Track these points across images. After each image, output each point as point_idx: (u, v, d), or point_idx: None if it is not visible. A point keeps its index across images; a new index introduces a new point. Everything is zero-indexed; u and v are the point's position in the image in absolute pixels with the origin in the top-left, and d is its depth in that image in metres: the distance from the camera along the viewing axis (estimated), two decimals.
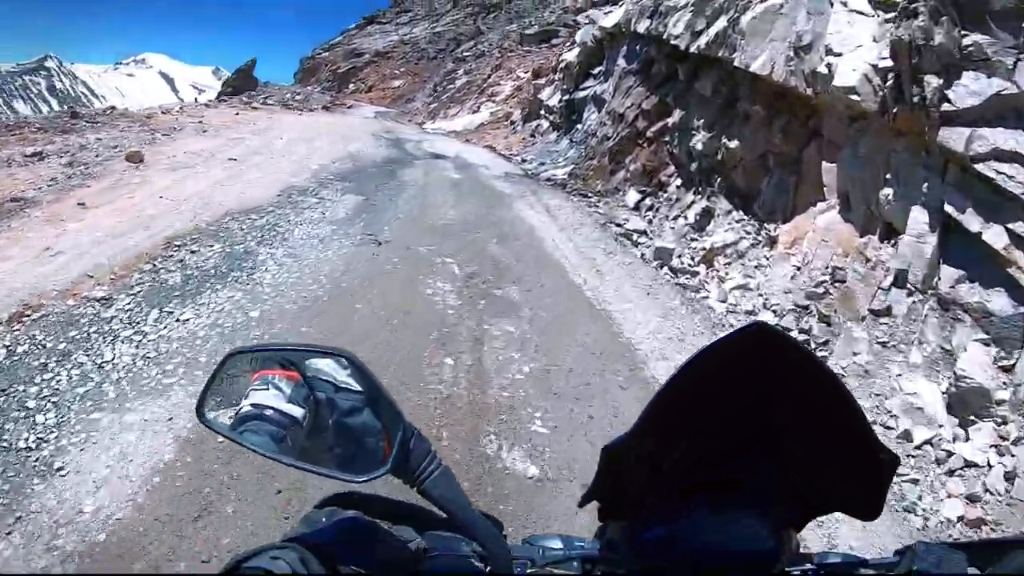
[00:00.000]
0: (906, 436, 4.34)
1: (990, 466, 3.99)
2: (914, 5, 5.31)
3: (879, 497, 0.74)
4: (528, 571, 0.83)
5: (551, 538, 0.90)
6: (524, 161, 15.79)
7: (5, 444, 3.46)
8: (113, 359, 4.39)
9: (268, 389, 0.80)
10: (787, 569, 0.78)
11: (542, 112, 19.07)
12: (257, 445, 0.77)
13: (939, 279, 5.03)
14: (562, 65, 18.88)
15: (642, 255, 8.22)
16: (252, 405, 0.80)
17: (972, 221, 4.79)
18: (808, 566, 0.80)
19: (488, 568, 0.80)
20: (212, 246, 6.75)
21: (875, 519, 0.76)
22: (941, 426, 4.36)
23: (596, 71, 16.14)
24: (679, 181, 9.96)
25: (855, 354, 5.20)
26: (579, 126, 15.67)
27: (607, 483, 0.78)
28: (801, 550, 0.82)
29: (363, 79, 60.02)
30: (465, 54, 51.86)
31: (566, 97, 17.12)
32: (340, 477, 0.76)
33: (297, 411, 0.80)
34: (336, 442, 0.82)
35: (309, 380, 0.82)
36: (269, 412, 0.79)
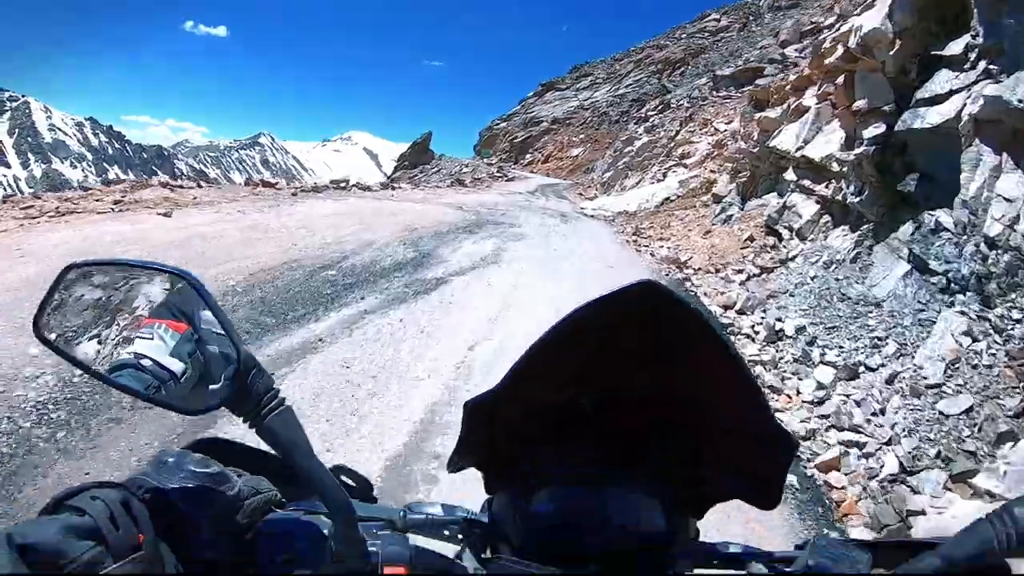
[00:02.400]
0: None
1: None
2: None
3: (778, 483, 0.71)
4: (393, 530, 0.78)
5: (433, 505, 0.84)
6: (777, 337, 6.64)
7: None
8: None
9: (152, 339, 0.74)
10: (681, 554, 0.75)
11: (789, 177, 9.75)
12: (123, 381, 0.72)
13: None
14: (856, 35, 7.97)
15: None
16: (133, 353, 0.74)
17: None
18: (703, 553, 0.77)
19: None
20: None
21: (773, 508, 0.72)
22: None
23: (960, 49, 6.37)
24: None
25: None
26: (949, 219, 6.09)
27: (474, 442, 0.76)
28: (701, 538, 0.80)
29: (540, 148, 55.49)
30: (649, 113, 45.32)
31: (875, 132, 7.33)
32: (175, 406, 0.72)
33: (177, 365, 0.74)
34: (198, 378, 0.75)
35: (201, 331, 0.75)
36: (147, 362, 0.73)
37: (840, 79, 8.47)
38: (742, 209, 11.42)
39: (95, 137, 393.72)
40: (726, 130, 18.87)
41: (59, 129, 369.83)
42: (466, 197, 19.42)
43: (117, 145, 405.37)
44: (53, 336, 0.76)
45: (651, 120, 28.11)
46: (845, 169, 7.86)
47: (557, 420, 0.73)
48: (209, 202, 10.99)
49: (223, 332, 0.71)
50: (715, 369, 0.63)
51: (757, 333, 6.68)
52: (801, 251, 8.35)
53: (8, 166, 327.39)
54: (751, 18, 57.36)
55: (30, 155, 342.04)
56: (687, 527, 0.76)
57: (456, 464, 0.80)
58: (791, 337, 6.37)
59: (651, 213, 16.32)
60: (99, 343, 0.76)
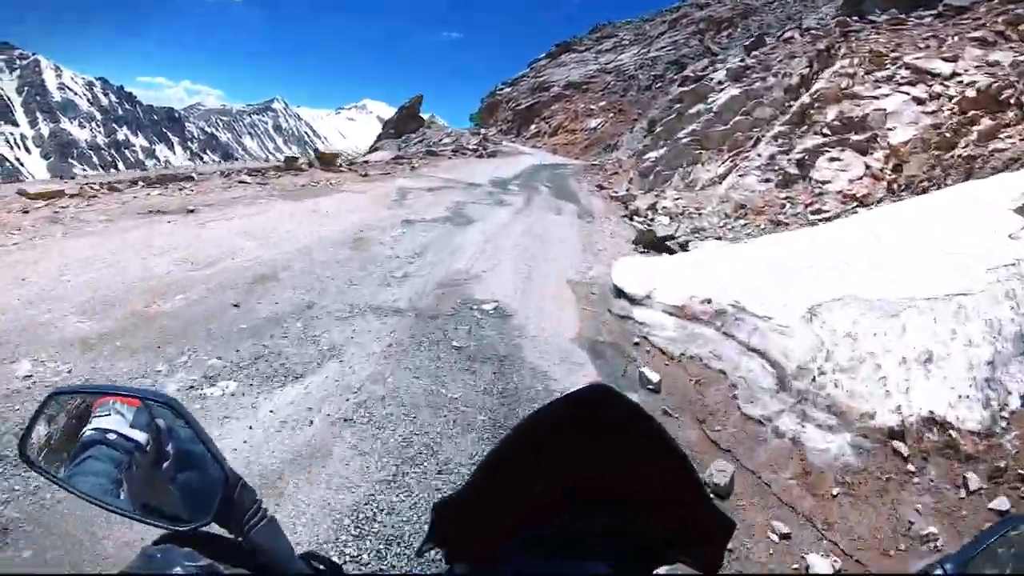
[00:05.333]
0: None
1: None
2: None
3: (718, 557, 0.77)
4: None
5: (396, 573, 1.12)
6: None
7: None
8: None
9: (110, 415, 0.77)
10: None
11: None
12: (96, 481, 0.74)
13: None
14: None
15: None
16: (94, 429, 0.77)
17: None
18: None
19: None
20: None
21: (714, 574, 0.78)
22: None
23: None
24: None
25: None
26: None
27: (441, 536, 0.79)
28: None
29: (548, 118, 43.68)
30: (700, 73, 33.65)
31: None
32: (163, 526, 0.75)
33: (140, 435, 0.76)
34: (173, 473, 0.78)
35: (149, 406, 0.79)
36: (112, 436, 0.76)
37: None
38: None
39: (105, 97, 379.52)
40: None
41: (69, 88, 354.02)
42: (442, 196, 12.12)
43: (128, 106, 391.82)
44: (38, 457, 0.79)
45: (728, 63, 16.37)
46: None
47: (515, 503, 0.75)
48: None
49: (208, 452, 0.74)
50: (660, 465, 0.68)
51: None
52: None
53: (16, 124, 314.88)
54: None
55: (38, 114, 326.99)
56: None
57: (422, 550, 0.80)
58: None
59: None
60: (69, 453, 0.77)
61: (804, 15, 38.50)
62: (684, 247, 8.63)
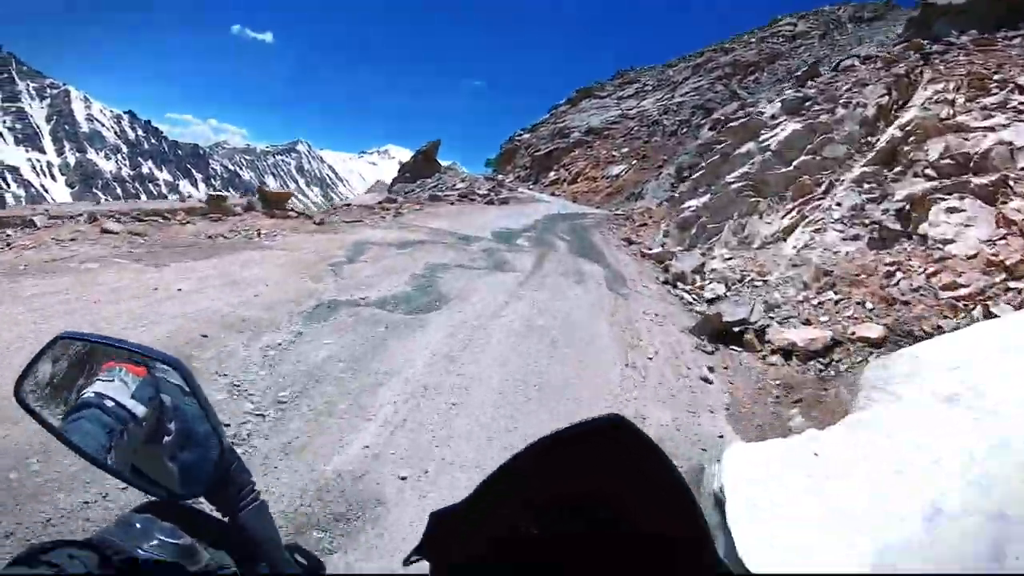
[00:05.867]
0: None
1: None
2: None
3: None
4: None
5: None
6: None
7: None
8: None
9: (114, 381, 0.75)
10: None
11: None
12: (85, 440, 0.73)
13: None
14: None
15: None
16: (95, 393, 0.75)
17: None
18: None
19: None
20: None
21: None
22: None
23: None
24: None
25: None
26: None
27: (434, 546, 0.76)
28: None
29: (568, 164, 41.80)
30: (732, 116, 31.66)
31: None
32: (151, 491, 0.74)
33: (140, 408, 0.75)
34: (172, 450, 0.77)
35: (157, 380, 0.78)
36: (109, 404, 0.74)
37: None
38: None
39: (132, 131, 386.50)
40: None
41: (97, 120, 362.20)
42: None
43: (154, 140, 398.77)
44: (30, 399, 0.78)
45: (783, 96, 14.05)
46: None
47: (510, 527, 0.72)
48: None
49: (209, 425, 0.72)
50: (668, 503, 0.65)
51: None
52: None
53: (43, 152, 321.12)
54: (831, 26, 49.69)
55: (65, 143, 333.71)
56: None
57: (411, 559, 0.76)
58: None
59: None
60: (66, 405, 0.77)
61: (832, 57, 36.79)
62: (761, 335, 6.13)
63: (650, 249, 12.08)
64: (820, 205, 9.14)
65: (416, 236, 10.60)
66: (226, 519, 0.73)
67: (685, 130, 37.09)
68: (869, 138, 9.84)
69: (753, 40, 53.29)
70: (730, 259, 9.29)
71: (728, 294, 7.92)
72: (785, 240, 9.11)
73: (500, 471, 0.67)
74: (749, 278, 8.32)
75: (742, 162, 11.71)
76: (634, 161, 36.02)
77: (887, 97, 10.36)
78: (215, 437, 0.72)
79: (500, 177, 37.68)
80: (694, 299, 8.29)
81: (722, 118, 30.55)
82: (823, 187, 9.62)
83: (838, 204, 8.74)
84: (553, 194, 35.64)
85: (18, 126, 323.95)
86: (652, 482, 0.65)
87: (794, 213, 9.54)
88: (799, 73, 21.88)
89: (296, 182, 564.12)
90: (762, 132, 12.14)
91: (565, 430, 0.63)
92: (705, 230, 11.33)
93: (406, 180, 41.37)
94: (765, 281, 8.03)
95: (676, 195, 14.99)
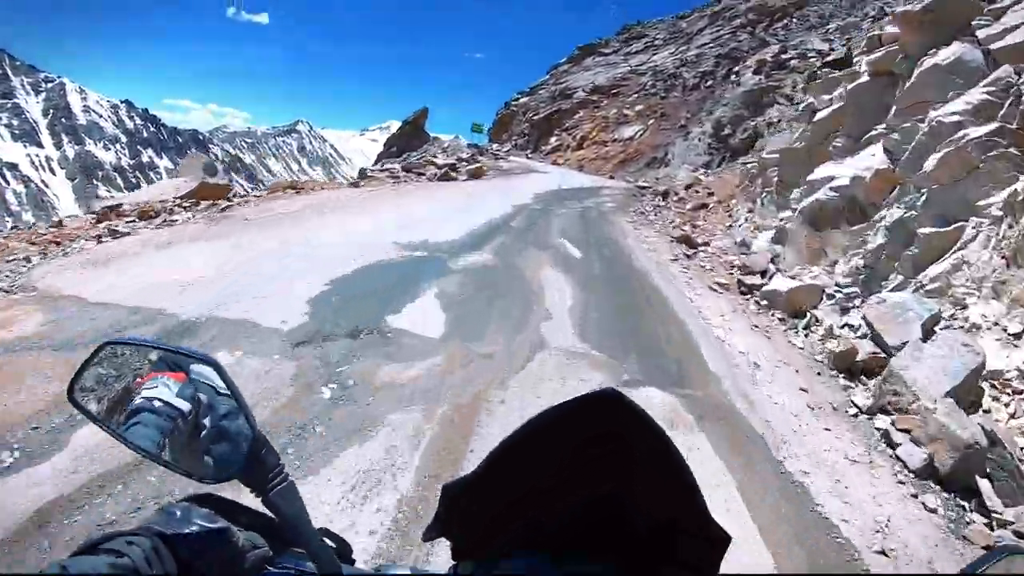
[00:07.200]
0: None
1: None
2: None
3: (713, 568, 0.73)
4: None
5: (402, 567, 0.88)
6: None
7: None
8: None
9: (158, 387, 0.81)
10: None
11: None
12: (140, 438, 0.78)
13: None
14: None
15: None
16: (144, 398, 0.80)
17: None
18: None
19: None
20: None
21: None
22: None
23: None
24: None
25: None
26: None
27: (449, 519, 0.78)
28: None
29: (572, 128, 36.22)
30: (779, 58, 25.93)
31: None
32: (193, 476, 0.78)
33: (184, 405, 0.81)
34: (211, 438, 0.82)
35: (194, 381, 0.83)
36: (158, 404, 0.79)
37: None
38: None
39: (130, 120, 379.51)
40: None
41: (93, 111, 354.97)
42: None
43: (152, 128, 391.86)
44: (84, 401, 0.84)
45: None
46: None
47: (523, 500, 0.74)
48: None
49: (240, 411, 0.78)
50: (664, 473, 0.67)
51: None
52: None
53: (41, 146, 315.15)
54: None
55: (63, 136, 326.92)
56: None
57: (430, 535, 0.80)
58: None
59: None
60: (116, 408, 0.83)
61: (866, 3, 31.43)
62: None
63: (748, 266, 6.73)
64: None
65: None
66: (259, 499, 0.76)
67: (710, 82, 31.41)
68: None
69: None
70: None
71: None
72: None
73: (502, 448, 0.69)
74: None
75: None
76: (651, 121, 30.50)
77: None
78: (247, 425, 0.76)
79: (492, 146, 32.28)
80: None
81: (769, 59, 25.00)
82: None
83: None
84: (555, 163, 30.30)
85: (15, 122, 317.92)
86: (648, 453, 0.66)
87: None
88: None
89: (298, 162, 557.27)
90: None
91: (562, 404, 0.64)
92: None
93: (392, 154, 36.95)
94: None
95: (779, 154, 9.42)
